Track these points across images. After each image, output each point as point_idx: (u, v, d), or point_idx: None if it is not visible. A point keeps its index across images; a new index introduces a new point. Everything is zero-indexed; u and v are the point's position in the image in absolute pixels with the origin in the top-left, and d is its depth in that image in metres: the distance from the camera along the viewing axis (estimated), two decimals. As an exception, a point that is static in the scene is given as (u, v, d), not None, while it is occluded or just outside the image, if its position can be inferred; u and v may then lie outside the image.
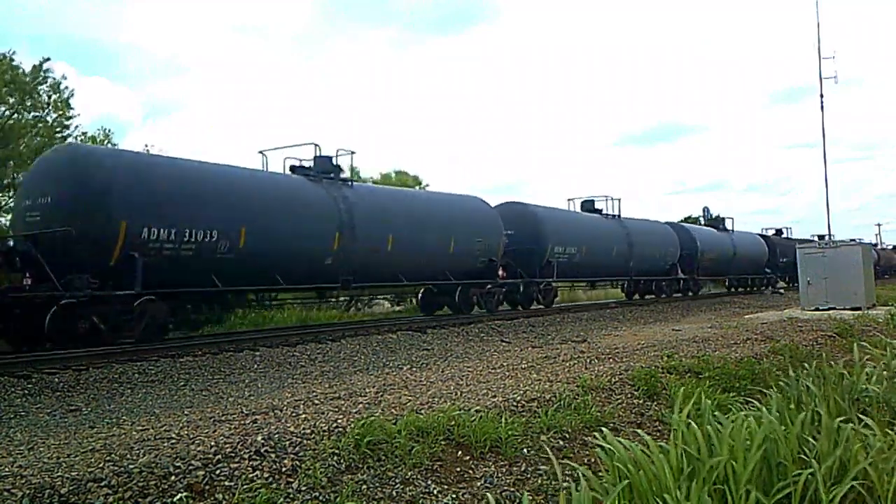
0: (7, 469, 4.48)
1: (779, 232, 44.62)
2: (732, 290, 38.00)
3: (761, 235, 40.98)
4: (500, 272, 20.07)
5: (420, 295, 20.68)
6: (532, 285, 21.62)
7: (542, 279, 21.95)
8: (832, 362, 7.69)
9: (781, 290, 36.91)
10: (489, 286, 19.78)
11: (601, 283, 29.32)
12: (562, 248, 22.42)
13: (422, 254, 17.67)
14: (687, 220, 46.74)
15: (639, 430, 5.51)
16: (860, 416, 5.49)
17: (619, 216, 27.10)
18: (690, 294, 31.54)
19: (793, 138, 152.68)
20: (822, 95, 30.32)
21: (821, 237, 47.42)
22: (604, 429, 5.13)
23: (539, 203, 23.68)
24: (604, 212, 26.76)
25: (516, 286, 21.29)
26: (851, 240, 45.22)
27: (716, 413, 5.33)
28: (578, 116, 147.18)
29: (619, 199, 27.09)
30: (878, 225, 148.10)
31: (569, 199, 26.29)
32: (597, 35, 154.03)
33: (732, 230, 36.55)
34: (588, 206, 26.78)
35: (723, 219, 37.36)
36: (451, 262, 18.51)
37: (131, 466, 4.44)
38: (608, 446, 4.48)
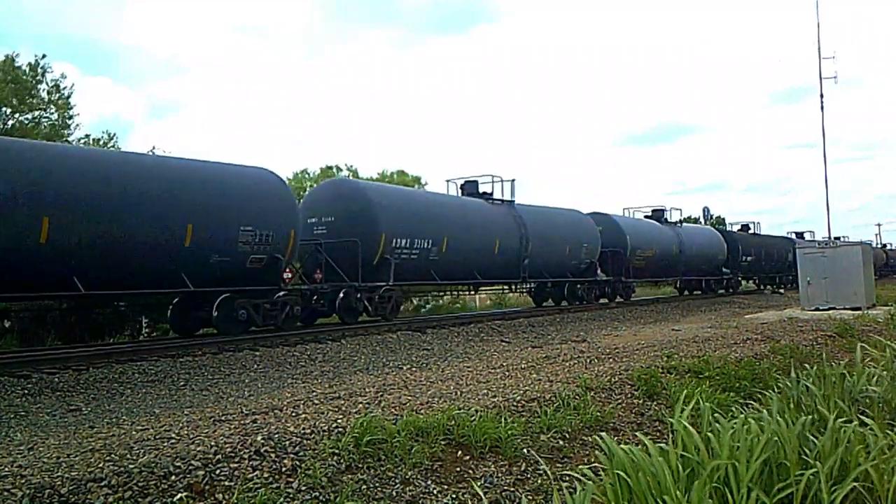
0: (7, 469, 4.48)
1: (745, 227, 39.66)
2: (687, 293, 33.13)
3: (720, 230, 35.37)
4: (288, 274, 14.42)
5: (170, 311, 14.43)
6: (356, 292, 15.59)
7: (374, 283, 16.09)
8: (832, 363, 7.69)
9: (781, 291, 36.62)
10: (279, 295, 13.99)
11: (486, 287, 22.61)
12: (405, 241, 16.68)
13: (117, 248, 11.38)
14: (687, 220, 45.15)
15: (638, 433, 5.51)
16: (860, 416, 5.49)
17: (512, 202, 21.25)
18: (620, 299, 25.77)
19: (793, 138, 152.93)
20: (822, 95, 30.40)
21: (799, 234, 45.09)
22: (602, 433, 5.13)
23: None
24: (493, 196, 21.26)
25: (331, 294, 15.37)
26: (835, 238, 44.59)
27: (716, 414, 5.33)
28: (579, 116, 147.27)
29: (513, 181, 21.29)
30: (879, 225, 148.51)
31: (447, 180, 21.19)
32: (597, 35, 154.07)
33: (681, 223, 31.17)
34: (470, 188, 21.29)
35: (667, 210, 31.20)
36: (189, 262, 12.46)
37: (131, 466, 4.44)
38: (608, 449, 4.48)
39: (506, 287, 23.06)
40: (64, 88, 25.05)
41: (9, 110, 23.27)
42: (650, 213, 30.58)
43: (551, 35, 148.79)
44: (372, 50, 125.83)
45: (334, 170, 43.55)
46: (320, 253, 15.63)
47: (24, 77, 23.78)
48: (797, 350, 11.39)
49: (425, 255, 17.33)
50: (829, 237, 30.00)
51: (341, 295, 15.38)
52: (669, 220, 30.79)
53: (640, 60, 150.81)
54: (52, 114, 24.75)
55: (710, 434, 4.58)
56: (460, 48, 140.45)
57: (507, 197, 21.44)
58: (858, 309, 19.36)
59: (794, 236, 45.04)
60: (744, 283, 39.12)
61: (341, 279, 15.59)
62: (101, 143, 25.64)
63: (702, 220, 49.13)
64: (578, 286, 23.68)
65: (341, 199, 16.69)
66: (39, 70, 24.45)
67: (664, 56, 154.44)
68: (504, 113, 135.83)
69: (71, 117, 25.21)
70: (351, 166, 43.54)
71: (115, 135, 26.42)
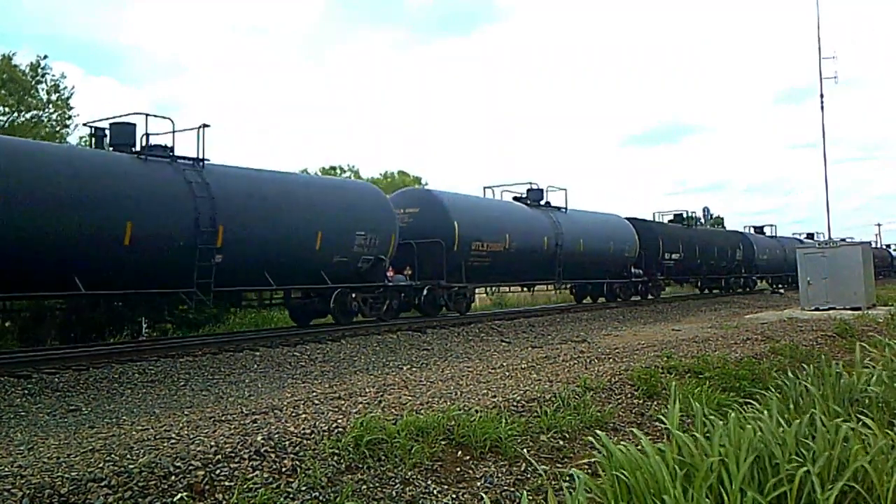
0: (7, 469, 4.49)
1: (679, 218, 31.87)
2: (591, 300, 25.25)
3: (632, 220, 26.41)
4: None
5: None
6: None
7: None
8: (832, 363, 7.70)
9: (781, 291, 36.40)
10: None
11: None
12: None
13: None
14: (688, 220, 43.17)
15: (636, 431, 5.52)
16: (859, 416, 5.50)
17: (198, 161, 12.96)
18: (447, 310, 17.87)
19: (795, 139, 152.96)
20: (822, 95, 30.40)
21: (758, 229, 40.07)
22: (600, 432, 5.14)
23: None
24: (173, 151, 12.91)
25: None
26: (809, 234, 43.25)
27: (712, 414, 5.34)
28: (581, 117, 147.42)
29: (202, 126, 13.21)
30: (879, 225, 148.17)
31: (86, 124, 13.48)
32: (599, 36, 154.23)
33: (566, 209, 22.75)
34: (119, 136, 12.67)
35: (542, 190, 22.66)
36: None
37: (131, 466, 4.44)
38: (606, 449, 4.49)
39: (178, 303, 13.77)
40: (63, 89, 25.08)
41: (6, 109, 23.31)
42: (524, 195, 22.38)
43: (553, 36, 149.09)
44: (375, 50, 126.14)
45: (337, 170, 43.68)
46: None
47: (24, 77, 23.80)
48: (797, 350, 11.40)
49: None
50: (829, 237, 29.99)
51: None
52: (552, 203, 22.63)
53: (642, 61, 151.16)
54: (52, 114, 24.79)
55: (700, 435, 4.60)
56: (462, 49, 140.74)
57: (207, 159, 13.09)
58: (858, 309, 19.38)
59: (752, 230, 40.07)
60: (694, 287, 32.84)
61: None
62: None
63: (702, 220, 48.32)
64: (352, 295, 15.26)
65: None
66: (39, 70, 24.49)
67: (665, 57, 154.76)
68: (507, 114, 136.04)
69: (70, 118, 25.23)
70: (352, 166, 43.60)
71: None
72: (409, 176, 45.40)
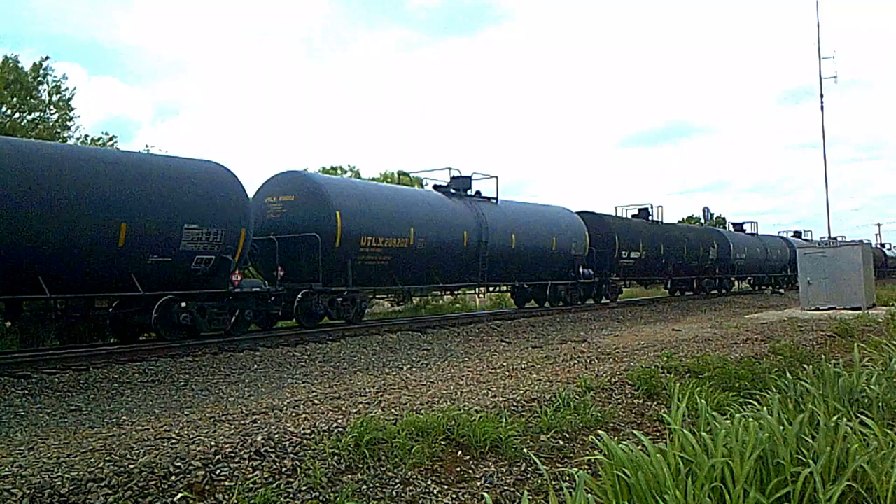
0: (7, 469, 4.49)
1: (644, 212, 28.22)
2: (537, 303, 22.34)
3: (584, 214, 23.59)
4: None
5: None
6: None
7: None
8: (831, 362, 7.70)
9: (781, 290, 36.32)
10: None
11: None
12: None
13: None
14: (688, 220, 42.48)
15: (636, 431, 5.52)
16: (859, 415, 5.50)
17: None
18: (331, 319, 15.13)
19: (797, 139, 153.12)
20: (821, 95, 30.46)
21: (737, 226, 37.80)
22: (601, 432, 5.14)
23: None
24: None
25: None
26: (797, 233, 42.70)
27: (713, 414, 5.34)
28: (584, 117, 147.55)
29: None
30: (879, 225, 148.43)
31: None
32: (601, 37, 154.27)
33: (496, 199, 19.80)
34: None
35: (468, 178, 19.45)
36: None
37: (131, 466, 4.45)
38: (607, 448, 4.49)
39: None
40: (65, 90, 25.06)
41: (8, 110, 23.29)
42: (447, 184, 19.19)
43: (556, 37, 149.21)
44: (376, 51, 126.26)
45: (337, 170, 43.73)
46: None
47: (26, 78, 23.79)
48: (797, 350, 11.40)
49: None
50: (829, 236, 30.00)
51: None
52: (481, 193, 19.69)
53: (643, 62, 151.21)
54: (53, 115, 24.76)
55: (704, 433, 4.59)
56: (465, 50, 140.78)
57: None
58: (858, 309, 19.39)
59: (731, 228, 37.74)
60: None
61: None
62: (104, 143, 25.61)
63: (702, 220, 48.19)
64: (182, 304, 12.00)
65: None
66: (41, 71, 24.48)
67: (667, 57, 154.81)
68: (507, 114, 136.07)
69: (71, 119, 25.21)
70: (353, 166, 43.63)
71: (114, 136, 26.30)
72: (409, 176, 45.32)
